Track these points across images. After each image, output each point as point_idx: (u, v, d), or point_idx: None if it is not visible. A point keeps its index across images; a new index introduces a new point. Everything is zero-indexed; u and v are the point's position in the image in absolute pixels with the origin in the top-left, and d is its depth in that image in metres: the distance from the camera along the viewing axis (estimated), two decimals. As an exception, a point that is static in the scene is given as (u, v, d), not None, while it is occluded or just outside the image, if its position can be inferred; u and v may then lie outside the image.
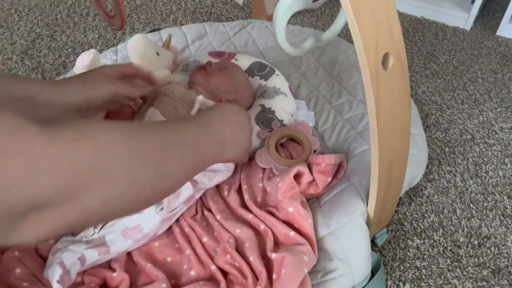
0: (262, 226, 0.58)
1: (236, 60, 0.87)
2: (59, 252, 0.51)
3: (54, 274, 0.48)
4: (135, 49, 0.81)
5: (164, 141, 0.43)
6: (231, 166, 0.68)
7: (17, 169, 0.28)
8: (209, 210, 0.63)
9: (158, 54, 0.83)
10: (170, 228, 0.61)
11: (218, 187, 0.67)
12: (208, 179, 0.64)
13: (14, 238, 0.31)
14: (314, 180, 0.64)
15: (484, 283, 0.66)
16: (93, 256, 0.53)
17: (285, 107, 0.77)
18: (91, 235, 0.55)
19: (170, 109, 0.67)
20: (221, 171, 0.65)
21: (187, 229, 0.60)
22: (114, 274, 0.54)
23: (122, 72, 0.62)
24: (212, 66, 0.74)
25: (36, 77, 1.11)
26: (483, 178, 0.84)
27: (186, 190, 0.60)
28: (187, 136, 0.47)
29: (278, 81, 0.82)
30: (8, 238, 0.30)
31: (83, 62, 0.80)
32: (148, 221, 0.57)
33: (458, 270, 0.68)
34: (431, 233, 0.74)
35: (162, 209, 0.57)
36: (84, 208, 0.33)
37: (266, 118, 0.74)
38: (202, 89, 0.72)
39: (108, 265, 0.56)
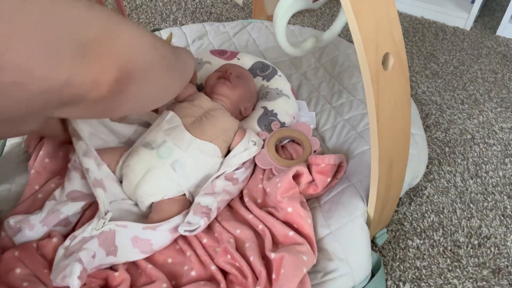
0: (261, 226, 0.59)
1: (238, 59, 0.87)
2: (75, 253, 0.51)
3: (73, 271, 0.47)
4: None
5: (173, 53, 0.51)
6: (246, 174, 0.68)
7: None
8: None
9: None
10: None
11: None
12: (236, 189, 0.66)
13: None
14: (313, 180, 0.64)
15: (484, 283, 0.66)
16: (101, 254, 0.53)
17: (288, 109, 0.77)
18: (102, 227, 0.54)
19: (192, 118, 0.67)
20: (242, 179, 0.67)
21: None
22: (116, 274, 0.54)
23: None
24: (232, 74, 0.74)
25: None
26: (483, 178, 0.84)
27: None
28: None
29: (280, 82, 0.82)
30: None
31: None
32: (159, 239, 0.57)
33: (458, 270, 0.68)
34: (431, 233, 0.74)
35: (193, 230, 0.57)
36: (130, 48, 0.39)
37: (269, 121, 0.74)
38: (228, 100, 0.72)
39: (109, 265, 0.56)
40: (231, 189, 0.64)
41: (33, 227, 0.55)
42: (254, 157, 0.70)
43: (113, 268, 0.56)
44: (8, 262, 0.51)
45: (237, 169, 0.67)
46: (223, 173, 0.66)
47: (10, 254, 0.52)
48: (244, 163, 0.68)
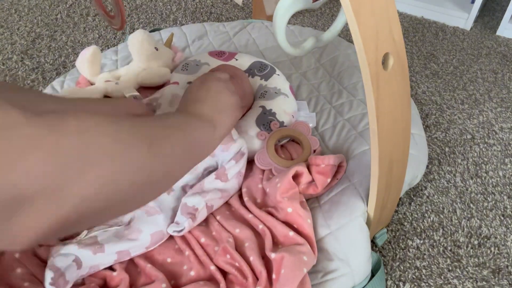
0: (261, 226, 0.58)
1: (237, 60, 0.86)
2: (51, 257, 0.51)
3: (46, 277, 0.48)
4: (134, 42, 0.82)
5: (151, 125, 0.42)
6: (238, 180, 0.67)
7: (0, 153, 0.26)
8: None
9: (157, 49, 0.84)
10: None
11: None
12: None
13: (5, 239, 0.28)
14: (313, 180, 0.64)
15: (484, 283, 0.66)
16: (87, 255, 0.53)
17: (286, 108, 0.77)
18: (85, 236, 0.54)
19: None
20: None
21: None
22: (114, 274, 0.54)
23: None
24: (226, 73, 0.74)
25: (36, 77, 1.11)
26: (483, 178, 0.84)
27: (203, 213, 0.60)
28: (172, 120, 0.47)
29: (278, 81, 0.82)
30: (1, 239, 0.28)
31: (84, 56, 0.81)
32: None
33: (458, 270, 0.68)
34: (431, 233, 0.74)
35: (180, 231, 0.57)
36: (80, 197, 0.31)
37: (267, 120, 0.74)
38: None
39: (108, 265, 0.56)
40: (221, 187, 0.64)
41: None
42: (253, 158, 0.69)
43: (111, 267, 0.56)
44: (8, 262, 0.51)
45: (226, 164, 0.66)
46: (212, 170, 0.65)
47: (10, 255, 0.52)
48: (234, 157, 0.66)
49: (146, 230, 0.57)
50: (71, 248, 0.52)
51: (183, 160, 0.46)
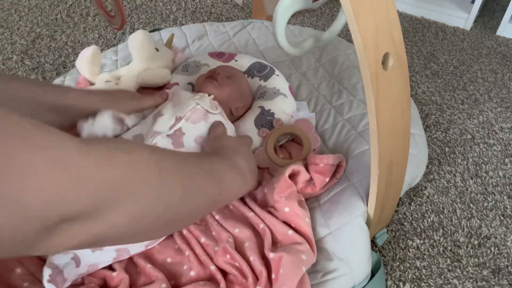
0: (262, 225, 0.58)
1: (236, 61, 0.87)
2: (50, 255, 0.51)
3: (44, 274, 0.49)
4: (134, 43, 0.82)
5: (191, 167, 0.45)
6: None
7: (55, 183, 0.29)
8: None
9: (157, 50, 0.84)
10: None
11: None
12: None
13: (39, 248, 0.31)
14: (311, 179, 0.64)
15: (484, 283, 0.66)
16: (85, 253, 0.53)
17: (285, 108, 0.77)
18: None
19: None
20: None
21: (185, 231, 0.60)
22: (114, 274, 0.54)
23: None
24: (221, 74, 0.73)
25: (36, 77, 1.11)
26: (483, 178, 0.84)
27: None
28: (212, 167, 0.49)
29: (278, 81, 0.82)
30: (34, 248, 0.31)
31: (83, 56, 0.81)
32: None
33: (458, 270, 0.68)
34: (431, 233, 0.74)
35: None
36: (110, 223, 0.34)
37: (266, 121, 0.74)
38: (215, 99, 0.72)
39: (108, 265, 0.56)
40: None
41: None
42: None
43: (111, 268, 0.56)
44: (8, 262, 0.51)
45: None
46: (171, 126, 0.62)
47: None
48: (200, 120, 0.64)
49: None
50: None
51: (210, 205, 0.49)
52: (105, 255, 0.55)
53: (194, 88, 0.78)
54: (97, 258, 0.54)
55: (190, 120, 0.63)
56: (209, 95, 0.69)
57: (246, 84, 0.79)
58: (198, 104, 0.65)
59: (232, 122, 0.72)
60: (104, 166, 0.33)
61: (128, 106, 0.66)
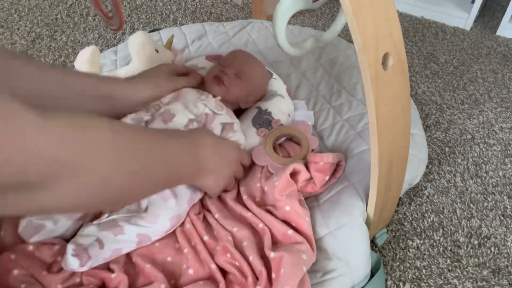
0: (261, 225, 0.58)
1: (234, 63, 0.86)
2: (72, 239, 0.54)
3: (67, 250, 0.51)
4: (134, 44, 0.82)
5: (149, 149, 0.47)
6: None
7: (3, 150, 0.30)
8: (209, 211, 0.63)
9: (157, 51, 0.84)
10: None
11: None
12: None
13: (52, 201, 0.36)
14: (311, 178, 0.64)
15: (484, 283, 0.66)
16: (108, 236, 0.54)
17: (282, 108, 0.77)
18: (105, 218, 0.55)
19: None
20: None
21: (188, 226, 0.60)
22: (113, 275, 0.53)
23: (176, 70, 0.72)
24: (228, 74, 0.71)
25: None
26: (483, 178, 0.84)
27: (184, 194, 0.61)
28: (172, 151, 0.51)
29: (275, 84, 0.82)
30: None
31: (83, 56, 0.81)
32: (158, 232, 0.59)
33: (458, 270, 0.68)
34: (431, 233, 0.74)
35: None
36: (56, 196, 0.36)
37: (263, 120, 0.74)
38: (222, 100, 0.72)
39: (106, 266, 0.56)
40: None
41: (57, 221, 0.56)
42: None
43: (110, 269, 0.55)
44: (5, 264, 0.51)
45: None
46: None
47: (6, 256, 0.52)
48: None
49: (163, 214, 0.57)
50: (92, 230, 0.54)
51: (159, 187, 0.53)
52: (128, 240, 0.56)
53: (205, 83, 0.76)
54: (120, 243, 0.55)
55: (201, 124, 0.67)
56: (215, 96, 0.71)
57: (260, 76, 0.77)
58: (206, 106, 0.68)
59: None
60: (56, 143, 0.34)
61: (165, 88, 0.67)
